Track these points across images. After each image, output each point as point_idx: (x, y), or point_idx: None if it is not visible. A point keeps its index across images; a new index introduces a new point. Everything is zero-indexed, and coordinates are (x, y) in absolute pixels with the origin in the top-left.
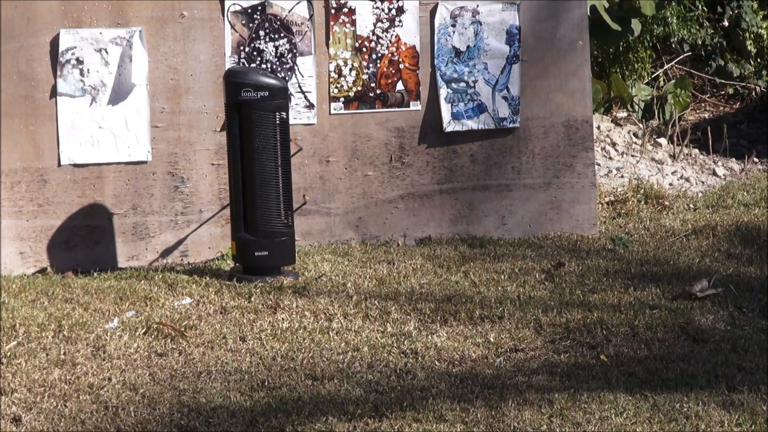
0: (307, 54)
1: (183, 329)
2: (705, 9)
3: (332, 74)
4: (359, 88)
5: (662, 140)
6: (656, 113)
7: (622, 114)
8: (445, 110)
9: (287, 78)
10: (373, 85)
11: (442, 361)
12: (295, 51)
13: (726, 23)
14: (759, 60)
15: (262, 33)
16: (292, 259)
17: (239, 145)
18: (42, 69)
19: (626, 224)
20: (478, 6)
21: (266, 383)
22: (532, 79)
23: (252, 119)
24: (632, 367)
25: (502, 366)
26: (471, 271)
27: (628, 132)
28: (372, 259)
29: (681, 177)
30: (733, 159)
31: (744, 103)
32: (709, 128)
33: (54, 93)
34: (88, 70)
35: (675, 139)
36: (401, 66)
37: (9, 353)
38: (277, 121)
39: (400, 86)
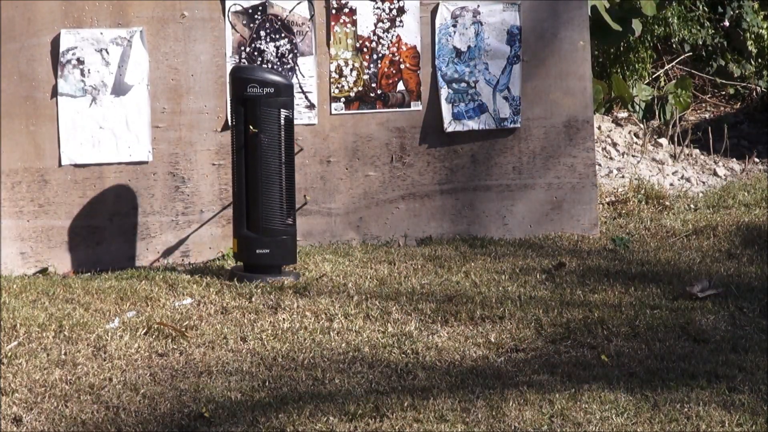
0: (308, 54)
1: (184, 329)
2: (706, 9)
3: (333, 74)
4: (360, 89)
5: (663, 140)
6: (657, 113)
7: (623, 114)
8: (446, 110)
9: (288, 78)
10: (374, 85)
11: (442, 361)
12: (295, 51)
13: (727, 23)
14: (760, 60)
15: (263, 33)
16: (293, 259)
17: (243, 141)
18: (43, 69)
19: (627, 224)
20: (478, 6)
21: (267, 383)
22: (533, 80)
23: (257, 115)
24: (633, 367)
25: (503, 366)
26: (472, 271)
27: (629, 132)
28: (373, 259)
29: (682, 177)
30: (734, 159)
31: (745, 103)
32: (709, 128)
33: (55, 93)
34: (88, 70)
35: (676, 139)
36: (402, 66)
37: (10, 353)
38: (282, 119)
39: (400, 86)
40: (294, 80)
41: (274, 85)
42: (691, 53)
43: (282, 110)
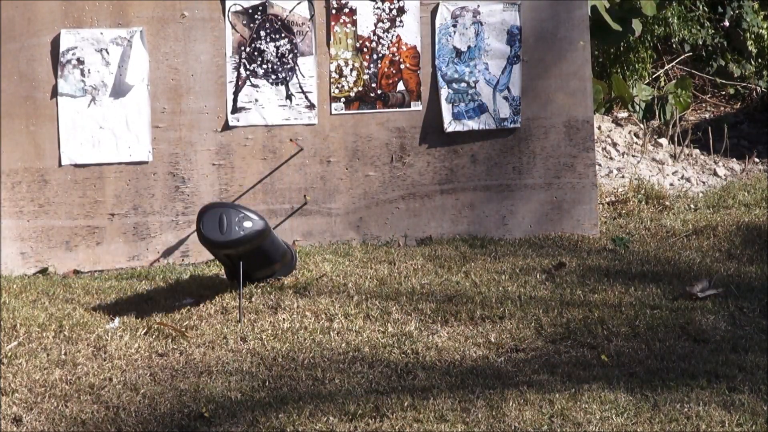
0: (308, 54)
1: (184, 329)
2: (706, 9)
3: (333, 74)
4: (360, 89)
5: (663, 140)
6: (657, 113)
7: (623, 114)
8: (446, 110)
9: (288, 78)
10: (374, 85)
11: (442, 361)
12: (296, 51)
13: (727, 23)
14: (759, 60)
15: (263, 33)
16: (290, 252)
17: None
18: (43, 69)
19: (627, 224)
20: (478, 6)
21: (267, 383)
22: (533, 80)
23: (235, 263)
24: (633, 367)
25: (503, 366)
26: (472, 271)
27: (629, 132)
28: (373, 259)
29: (682, 177)
30: (734, 159)
31: (745, 103)
32: (709, 128)
33: (55, 93)
34: (88, 70)
35: (676, 139)
36: (402, 66)
37: (10, 353)
38: (264, 247)
39: (401, 86)
40: (294, 80)
41: (248, 241)
42: (691, 53)
43: (260, 246)
